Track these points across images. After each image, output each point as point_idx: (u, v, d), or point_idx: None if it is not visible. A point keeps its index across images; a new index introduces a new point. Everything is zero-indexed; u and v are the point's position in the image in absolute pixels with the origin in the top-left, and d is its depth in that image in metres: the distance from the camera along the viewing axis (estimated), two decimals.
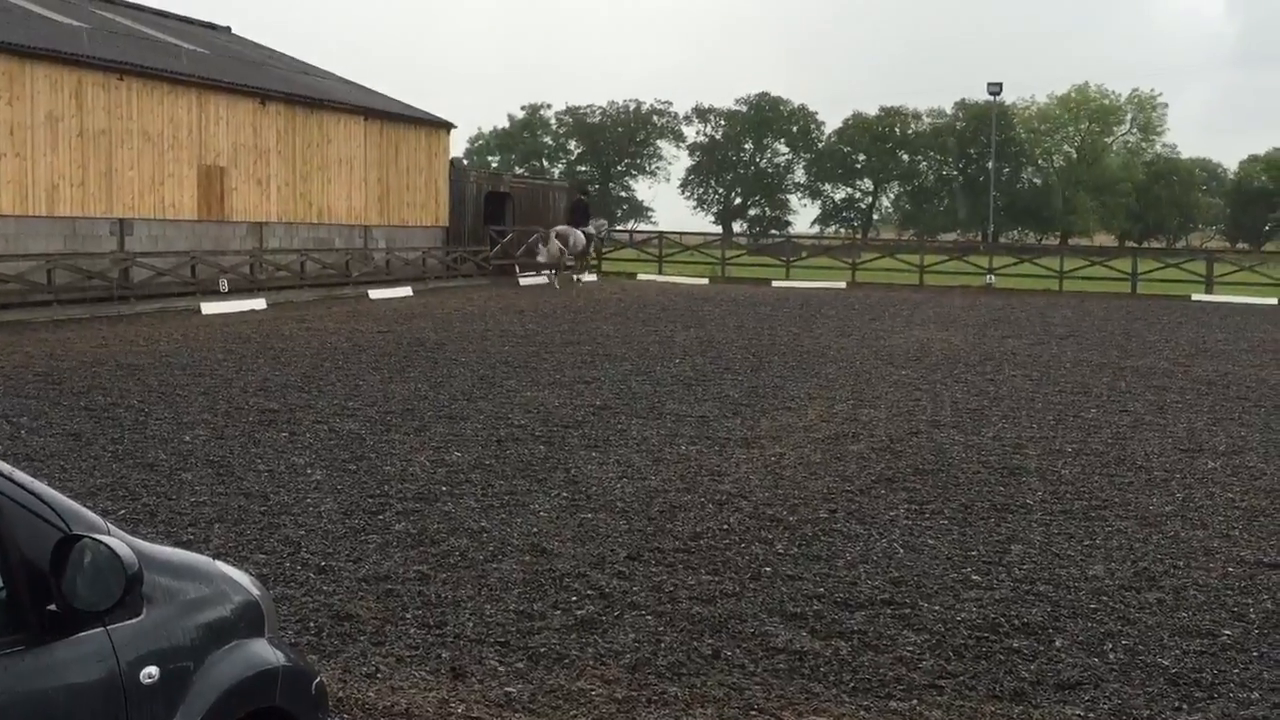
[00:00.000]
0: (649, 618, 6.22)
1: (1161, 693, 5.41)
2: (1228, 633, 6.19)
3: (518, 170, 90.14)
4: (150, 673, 3.06)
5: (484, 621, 6.11)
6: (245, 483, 8.97)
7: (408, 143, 35.99)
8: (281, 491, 8.72)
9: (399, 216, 35.62)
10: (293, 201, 31.28)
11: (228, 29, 38.74)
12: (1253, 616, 6.45)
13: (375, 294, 29.47)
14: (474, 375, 14.97)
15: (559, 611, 6.28)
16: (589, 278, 38.01)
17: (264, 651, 3.52)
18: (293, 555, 7.16)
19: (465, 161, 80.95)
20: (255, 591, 3.67)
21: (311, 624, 6.03)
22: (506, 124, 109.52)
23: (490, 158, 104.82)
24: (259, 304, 25.56)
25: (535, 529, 7.85)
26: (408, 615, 6.18)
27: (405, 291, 30.88)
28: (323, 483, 9.03)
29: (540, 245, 36.72)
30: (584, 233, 37.00)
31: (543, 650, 5.74)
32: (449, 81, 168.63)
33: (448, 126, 38.26)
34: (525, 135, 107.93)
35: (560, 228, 37.23)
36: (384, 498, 8.59)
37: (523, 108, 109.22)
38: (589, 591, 6.61)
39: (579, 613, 6.27)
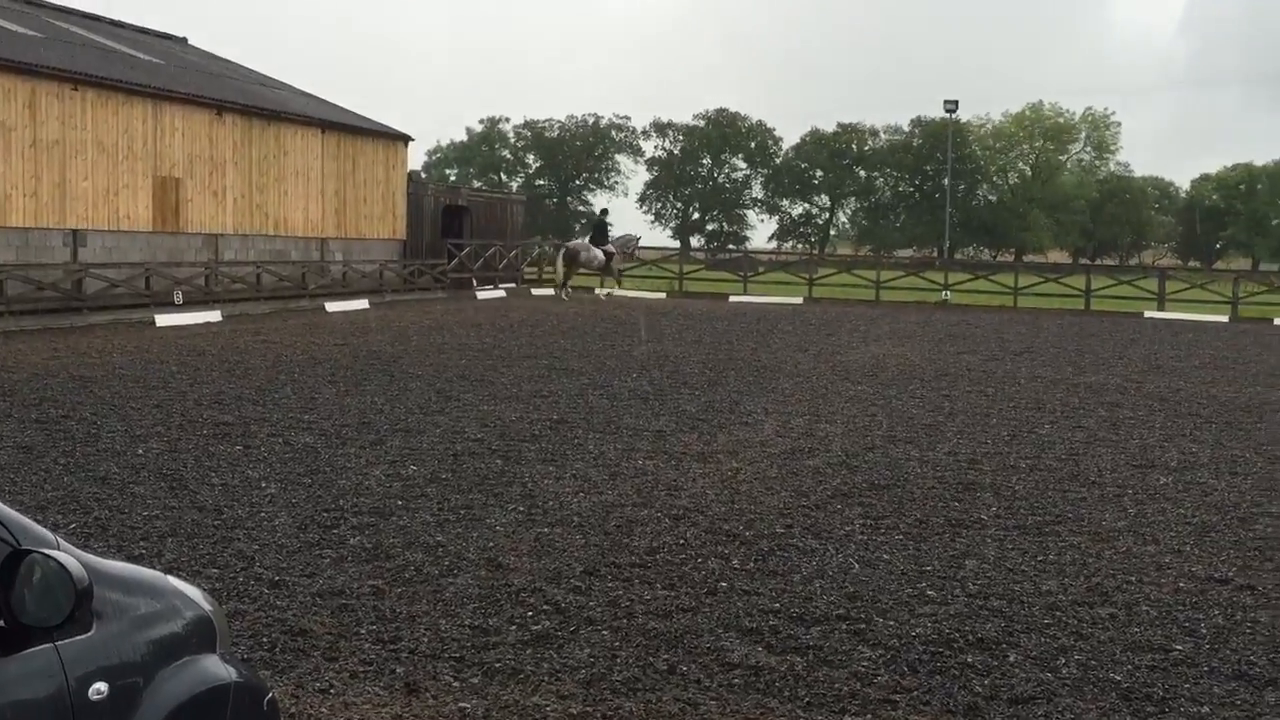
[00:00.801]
0: (605, 633, 6.21)
1: (1114, 707, 5.45)
2: (1179, 647, 6.24)
3: (476, 184, 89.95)
4: (99, 689, 3.02)
5: (439, 637, 6.08)
6: (198, 496, 8.90)
7: (365, 155, 35.87)
8: (235, 505, 8.65)
9: (356, 229, 35.48)
10: (249, 213, 31.11)
11: (184, 40, 38.51)
12: (1203, 631, 6.51)
13: (332, 307, 29.34)
14: (431, 389, 14.92)
15: (515, 627, 6.26)
16: (605, 293, 38.26)
17: (215, 668, 3.49)
18: (246, 570, 7.10)
19: (423, 174, 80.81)
20: (207, 607, 3.63)
21: (264, 639, 5.98)
22: (465, 137, 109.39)
23: (448, 171, 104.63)
24: (214, 316, 25.37)
25: (491, 543, 7.82)
26: (362, 630, 6.14)
27: (362, 304, 30.75)
28: (277, 496, 8.96)
29: (557, 258, 37.93)
30: (604, 250, 37.88)
31: (498, 665, 5.72)
32: (407, 94, 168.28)
33: (405, 139, 38.16)
34: (483, 148, 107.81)
35: (573, 244, 38.14)
36: (339, 512, 8.54)
37: (481, 121, 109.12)
38: (545, 606, 6.59)
39: (535, 628, 6.25)
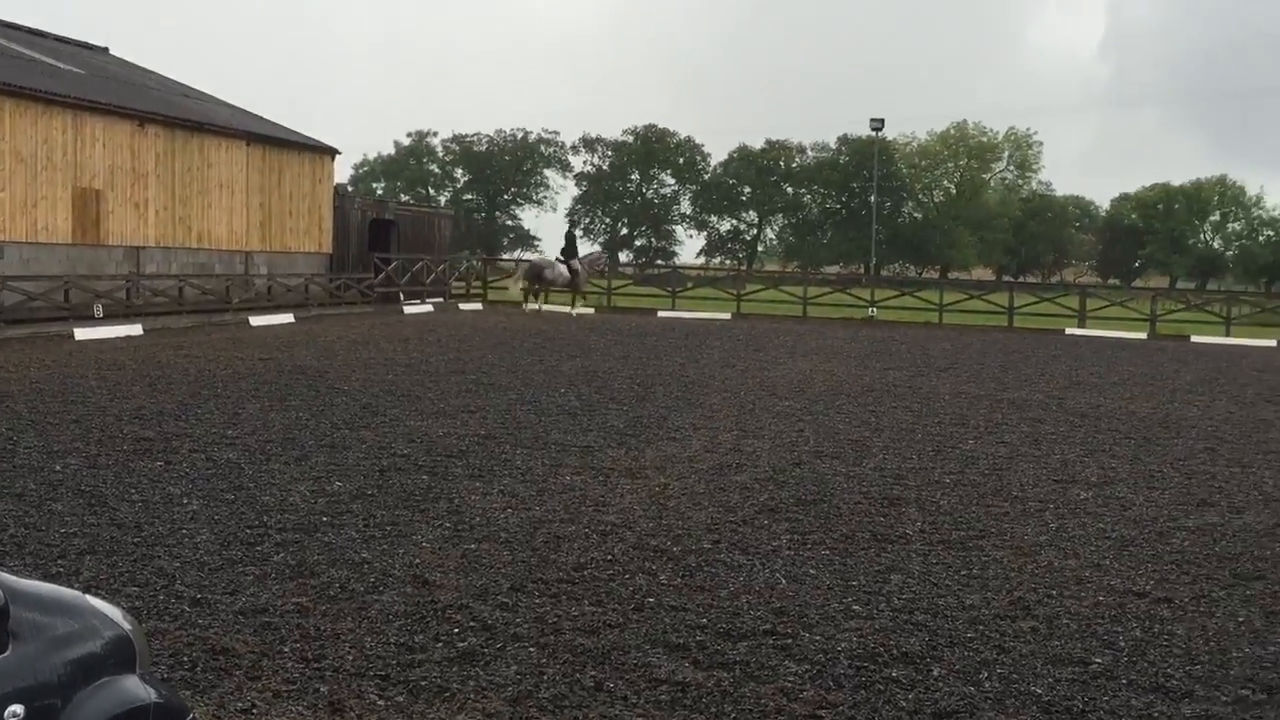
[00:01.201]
0: (532, 649, 6.19)
1: None
2: (1098, 660, 6.33)
3: (403, 197, 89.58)
4: (15, 711, 2.97)
5: (364, 654, 6.03)
6: (118, 513, 8.76)
7: (291, 168, 35.58)
8: (156, 522, 8.53)
9: (281, 242, 35.17)
10: (172, 225, 30.74)
11: (105, 50, 38.00)
12: (1122, 644, 6.60)
13: (256, 321, 29.04)
14: (357, 404, 14.80)
15: (440, 644, 6.22)
16: (579, 310, 38.13)
17: (135, 688, 3.43)
18: (167, 588, 7.00)
19: (350, 188, 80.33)
20: (127, 626, 3.58)
21: (185, 659, 5.90)
22: (392, 151, 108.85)
23: (375, 185, 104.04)
24: (135, 330, 25.00)
25: (418, 560, 7.77)
26: (285, 649, 6.08)
27: (287, 318, 30.47)
28: (199, 513, 8.85)
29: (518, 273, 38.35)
30: (570, 267, 37.78)
31: (423, 683, 5.68)
32: (334, 108, 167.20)
33: (332, 152, 37.90)
34: (411, 162, 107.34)
35: (535, 260, 38.34)
36: (262, 528, 8.44)
37: (409, 135, 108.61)
38: (471, 623, 6.56)
39: (461, 645, 6.21)
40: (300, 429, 12.77)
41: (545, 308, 37.84)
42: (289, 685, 5.62)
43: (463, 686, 5.67)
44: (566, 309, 38.05)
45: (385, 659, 5.98)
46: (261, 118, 37.13)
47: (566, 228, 42.19)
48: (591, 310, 38.63)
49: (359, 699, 5.49)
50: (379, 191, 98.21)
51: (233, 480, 10.02)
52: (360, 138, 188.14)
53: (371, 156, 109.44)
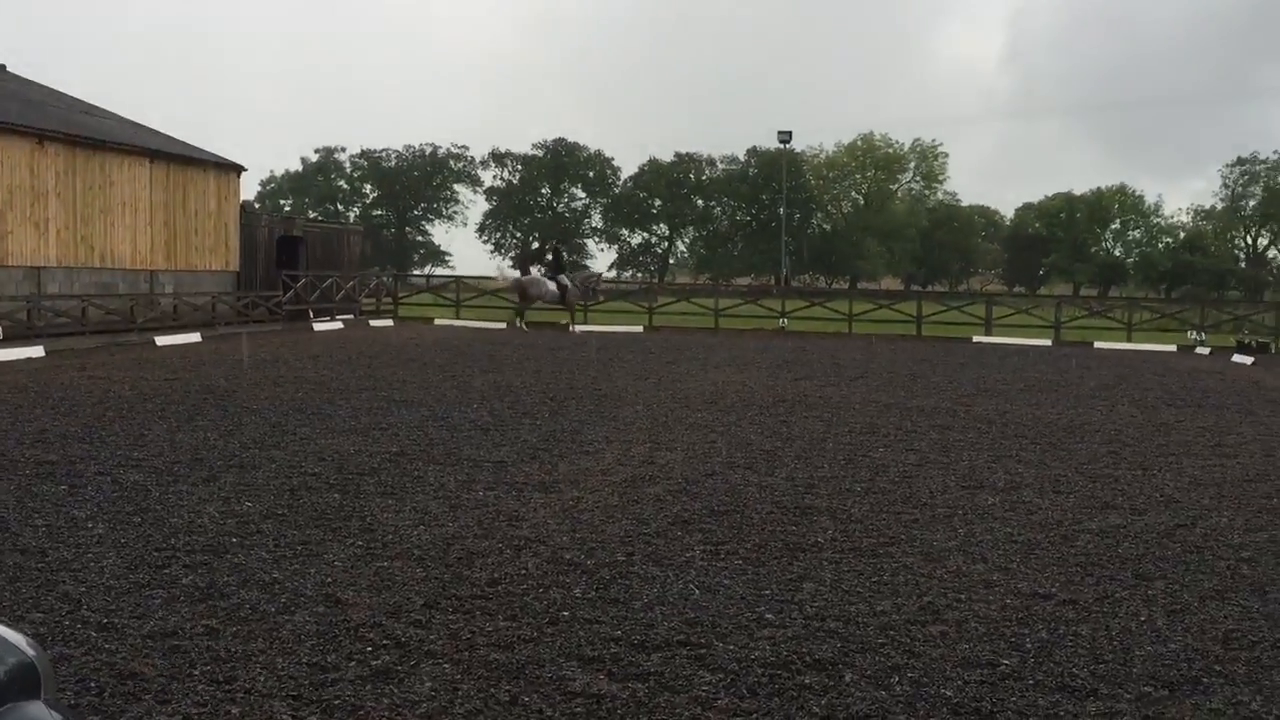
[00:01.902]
0: (446, 666, 6.17)
1: None
2: (1006, 662, 6.45)
3: (312, 214, 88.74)
4: None
5: (275, 675, 5.97)
6: (21, 538, 8.58)
7: (196, 185, 35.12)
8: (60, 547, 8.37)
9: (187, 261, 34.69)
10: (73, 245, 30.20)
11: (2, 67, 37.26)
12: (1029, 646, 6.73)
13: (162, 340, 28.59)
14: (266, 423, 14.64)
15: (354, 662, 6.18)
16: (580, 328, 38.16)
17: (40, 715, 3.37)
18: (72, 613, 6.88)
19: (257, 205, 79.44)
20: (31, 652, 3.52)
21: (93, 684, 5.80)
22: (300, 167, 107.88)
23: (283, 201, 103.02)
24: (36, 351, 24.50)
25: (330, 579, 7.71)
26: (195, 671, 6.00)
27: (194, 338, 30.05)
28: (105, 536, 8.70)
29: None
30: (558, 283, 37.93)
31: (336, 702, 5.64)
32: (239, 124, 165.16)
33: (238, 169, 37.46)
34: (319, 178, 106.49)
35: (526, 278, 38.47)
36: (171, 551, 8.32)
37: (316, 150, 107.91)
38: (385, 641, 6.52)
39: (374, 663, 6.18)
40: (208, 449, 12.61)
41: (526, 325, 37.94)
42: (199, 708, 5.55)
43: (377, 704, 5.64)
44: (579, 327, 38.21)
45: (297, 679, 5.93)
46: (165, 135, 36.61)
47: (553, 244, 42.09)
48: (586, 327, 38.50)
49: None
50: (287, 208, 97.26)
51: (139, 503, 9.87)
52: (267, 154, 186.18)
53: (279, 173, 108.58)
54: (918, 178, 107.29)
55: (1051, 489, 11.60)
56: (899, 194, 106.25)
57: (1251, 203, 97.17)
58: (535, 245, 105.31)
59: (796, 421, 16.11)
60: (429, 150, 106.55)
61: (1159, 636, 6.97)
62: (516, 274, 39.11)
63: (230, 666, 6.08)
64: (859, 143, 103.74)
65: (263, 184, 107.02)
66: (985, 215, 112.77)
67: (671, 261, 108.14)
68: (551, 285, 37.79)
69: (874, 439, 14.68)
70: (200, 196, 35.32)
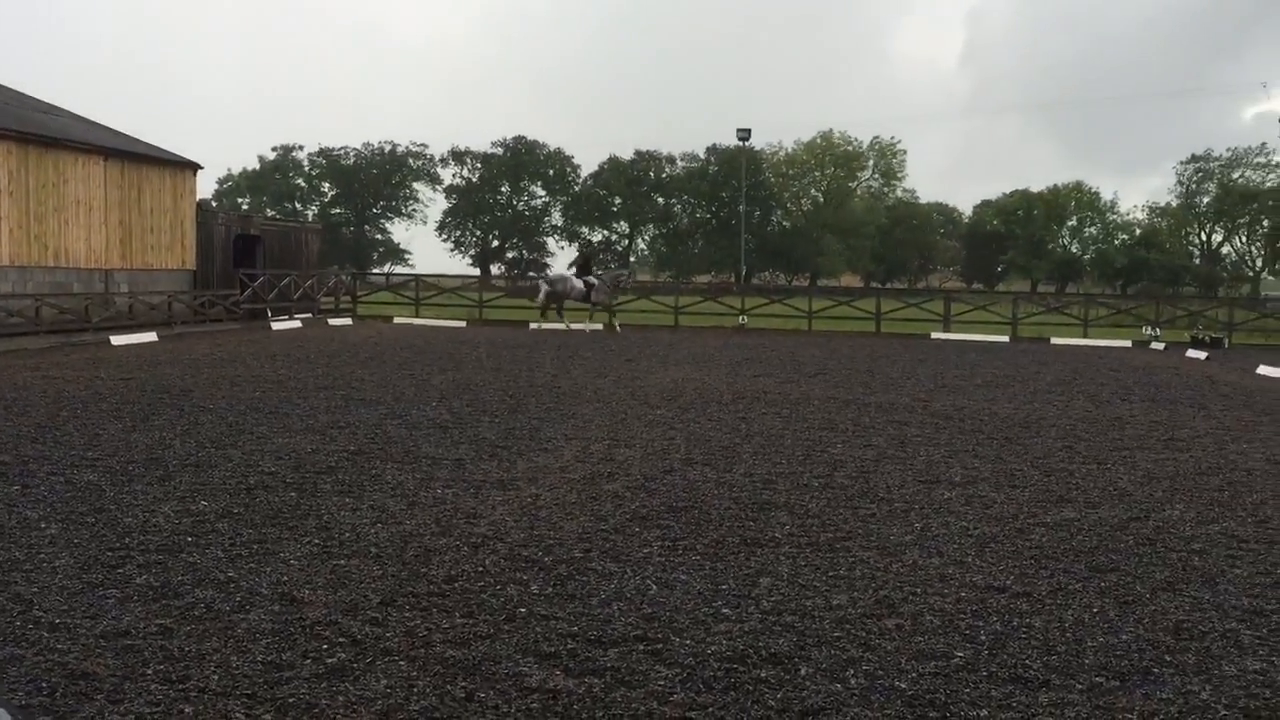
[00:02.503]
0: (402, 663, 6.16)
1: (898, 714, 5.64)
2: (960, 654, 6.49)
3: (269, 212, 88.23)
4: None
5: (230, 674, 5.94)
6: None
7: (151, 183, 34.84)
8: (12, 547, 8.30)
9: (143, 259, 34.41)
10: (26, 244, 29.89)
11: None
12: (983, 638, 6.78)
13: (117, 340, 28.35)
14: (223, 422, 14.55)
15: (309, 660, 6.16)
16: (596, 326, 38.27)
17: None
18: (24, 613, 6.82)
19: (214, 203, 78.90)
20: None
21: (44, 684, 5.75)
22: (257, 165, 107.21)
23: (240, 199, 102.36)
24: None
25: (285, 577, 7.68)
26: (149, 671, 5.96)
27: (150, 337, 29.82)
28: (58, 537, 8.63)
29: (542, 287, 38.72)
30: (585, 282, 37.99)
31: (291, 701, 5.62)
32: (195, 122, 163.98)
33: (194, 167, 37.18)
34: (277, 176, 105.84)
35: (554, 275, 39.28)
36: (125, 550, 8.26)
37: (274, 149, 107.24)
38: (340, 639, 6.50)
39: (330, 661, 6.16)
40: (164, 449, 12.52)
41: (569, 325, 38.12)
42: (152, 707, 5.52)
43: (332, 702, 5.62)
44: (596, 325, 38.35)
45: (252, 678, 5.90)
46: (120, 133, 36.29)
47: (583, 249, 42.22)
48: (609, 325, 38.50)
49: (225, 719, 5.41)
50: (244, 206, 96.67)
51: (93, 502, 9.79)
52: (224, 152, 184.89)
53: (236, 171, 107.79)
54: (877, 175, 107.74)
55: (1007, 483, 11.69)
56: (858, 191, 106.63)
57: (1205, 200, 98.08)
58: (495, 244, 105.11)
59: (755, 418, 16.15)
60: (388, 148, 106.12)
61: (1111, 628, 7.03)
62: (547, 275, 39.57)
63: (184, 666, 6.05)
64: (818, 140, 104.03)
65: (220, 182, 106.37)
66: (944, 212, 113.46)
67: (632, 259, 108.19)
68: (579, 283, 38.04)
69: (832, 435, 14.73)
70: (156, 195, 35.05)
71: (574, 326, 37.72)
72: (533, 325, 38.36)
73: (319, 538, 8.76)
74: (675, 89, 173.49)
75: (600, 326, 38.06)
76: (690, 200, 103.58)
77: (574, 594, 7.48)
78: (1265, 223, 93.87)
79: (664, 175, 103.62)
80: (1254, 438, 15.47)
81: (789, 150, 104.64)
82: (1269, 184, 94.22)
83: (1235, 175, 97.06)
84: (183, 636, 6.48)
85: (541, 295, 38.42)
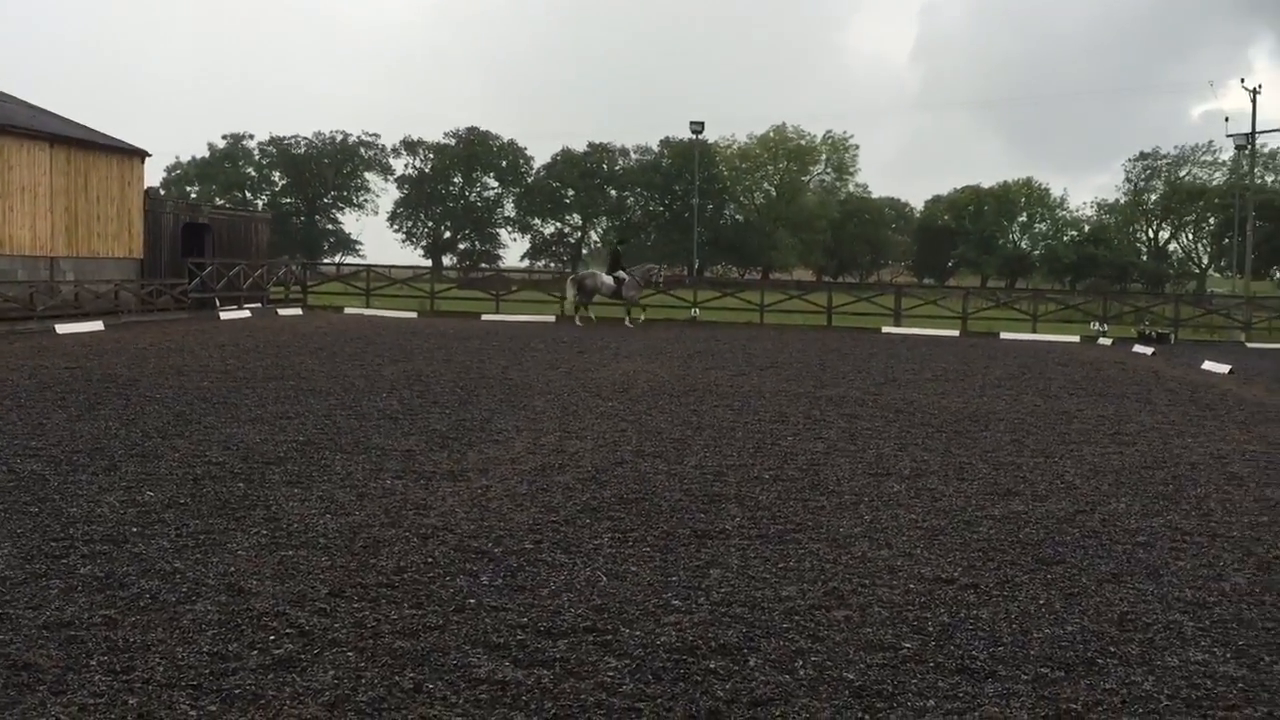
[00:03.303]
0: (350, 654, 6.12)
1: (846, 705, 5.66)
2: (908, 645, 6.53)
3: (219, 201, 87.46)
4: None
5: (175, 665, 5.89)
6: None
7: (98, 171, 34.45)
8: None
9: (89, 247, 34.03)
10: None
11: None
12: (930, 629, 6.82)
13: (63, 329, 28.01)
14: (169, 412, 14.41)
15: (256, 651, 6.11)
16: (632, 320, 38.19)
17: None
18: None
19: (162, 191, 78.14)
20: None
21: None
22: (206, 153, 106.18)
23: (189, 188, 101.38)
24: None
25: (233, 568, 7.61)
26: (92, 662, 5.89)
27: (96, 326, 29.49)
28: (0, 526, 8.51)
29: (570, 285, 38.94)
30: (615, 277, 38.04)
31: (237, 692, 5.57)
32: (144, 109, 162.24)
33: (142, 155, 36.81)
34: (226, 165, 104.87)
35: (583, 273, 39.47)
36: (69, 541, 8.16)
37: (224, 137, 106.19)
38: (288, 630, 6.45)
39: (277, 652, 6.11)
40: (110, 438, 12.38)
41: (595, 319, 38.34)
42: (96, 699, 5.45)
43: (279, 693, 5.58)
44: (637, 318, 38.39)
45: (198, 669, 5.85)
46: (66, 119, 35.85)
47: (613, 244, 41.94)
48: (632, 318, 38.41)
49: (170, 710, 5.36)
50: (193, 195, 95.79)
51: (36, 492, 9.67)
52: (172, 140, 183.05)
53: (185, 159, 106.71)
54: (829, 169, 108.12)
55: (956, 476, 11.77)
56: (811, 185, 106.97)
57: (1153, 197, 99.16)
58: (447, 235, 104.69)
59: (707, 410, 16.18)
60: (339, 138, 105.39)
61: (1057, 619, 7.10)
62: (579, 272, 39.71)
63: (129, 657, 5.98)
64: (771, 134, 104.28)
65: (168, 170, 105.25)
66: (895, 207, 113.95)
67: (585, 251, 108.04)
68: (608, 279, 37.98)
69: (783, 427, 14.78)
70: (103, 182, 34.66)
71: (585, 318, 37.94)
72: (578, 319, 38.09)
73: (267, 528, 8.70)
74: (629, 81, 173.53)
75: (637, 319, 38.12)
76: (643, 193, 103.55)
77: (524, 585, 7.46)
78: (1212, 220, 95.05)
79: (617, 168, 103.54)
80: (1198, 432, 15.66)
81: (742, 144, 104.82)
82: (1215, 182, 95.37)
83: (1183, 173, 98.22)
84: (127, 627, 6.41)
85: (571, 292, 38.25)
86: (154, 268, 37.08)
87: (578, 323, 37.30)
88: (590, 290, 38.04)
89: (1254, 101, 66.78)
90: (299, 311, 40.14)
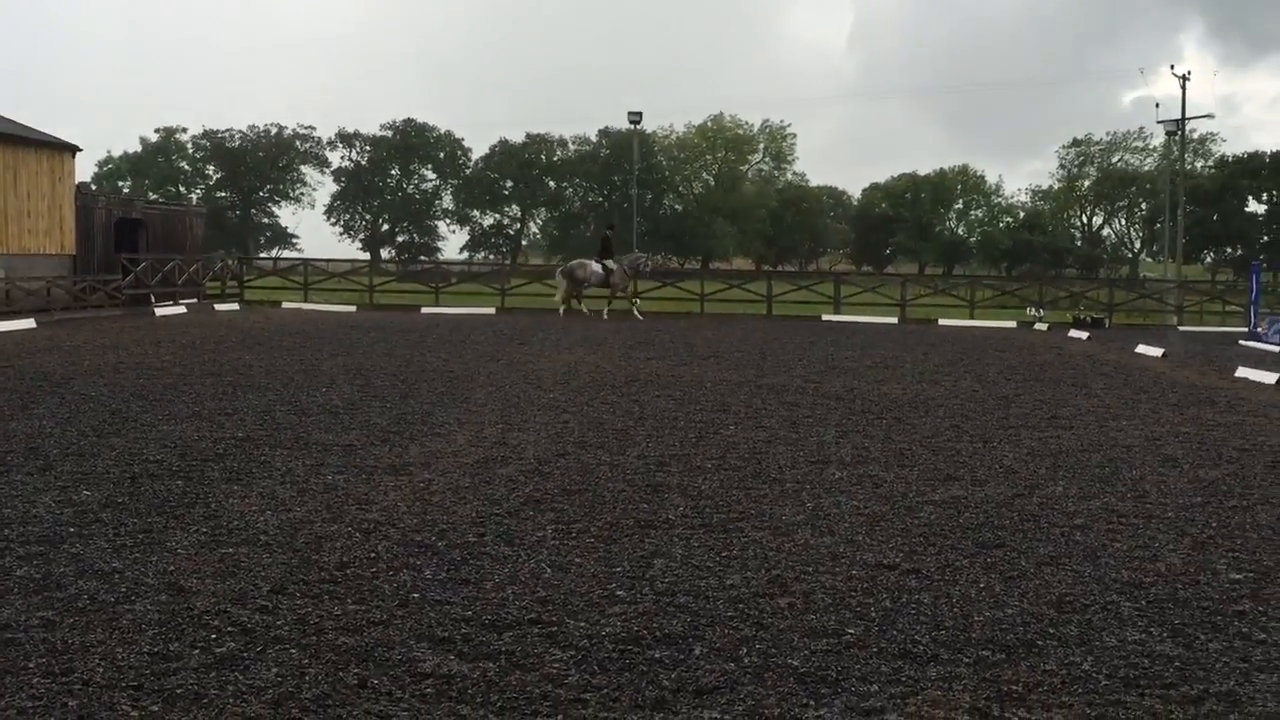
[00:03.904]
0: (293, 651, 6.08)
1: (791, 692, 5.70)
2: (851, 631, 6.58)
3: (152, 196, 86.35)
4: None
5: (115, 666, 5.82)
6: None
7: (28, 166, 33.91)
8: None
9: (19, 244, 33.51)
10: None
11: None
12: (873, 615, 6.88)
13: None
14: (105, 410, 14.23)
15: (197, 650, 6.06)
16: (633, 308, 38.12)
17: None
18: None
19: (94, 186, 77.07)
20: None
21: None
22: (138, 147, 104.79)
23: (121, 183, 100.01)
24: None
25: (172, 567, 7.54)
26: (30, 665, 5.82)
27: (28, 324, 29.03)
28: None
29: (561, 277, 38.34)
30: (604, 266, 37.57)
31: (179, 691, 5.52)
32: (73, 103, 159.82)
33: (72, 149, 36.27)
34: (159, 159, 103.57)
35: (572, 263, 38.76)
36: (3, 542, 8.04)
37: (156, 131, 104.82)
38: (230, 628, 6.40)
39: (219, 650, 6.06)
40: (44, 438, 12.21)
41: (587, 310, 38.21)
42: (34, 701, 5.38)
43: (221, 692, 5.53)
44: (619, 308, 38.16)
45: (138, 669, 5.79)
46: None
47: (605, 232, 41.29)
48: (629, 310, 38.15)
49: (110, 711, 5.30)
50: (125, 190, 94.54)
51: None
52: (103, 135, 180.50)
53: (116, 154, 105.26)
54: (767, 158, 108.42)
55: (896, 463, 11.86)
56: (749, 174, 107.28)
57: (1086, 183, 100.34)
58: (385, 227, 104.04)
59: (649, 401, 16.20)
60: (274, 130, 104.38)
61: (997, 602, 7.18)
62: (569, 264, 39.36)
63: (67, 659, 5.91)
64: (709, 123, 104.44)
65: (100, 165, 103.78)
66: (833, 195, 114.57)
67: (524, 243, 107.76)
68: (597, 268, 37.62)
69: (725, 416, 14.83)
70: (32, 178, 34.13)
71: (577, 310, 37.72)
72: (563, 310, 37.86)
73: (207, 526, 8.62)
74: (566, 71, 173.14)
75: (622, 309, 37.96)
76: (582, 183, 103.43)
77: (468, 578, 7.44)
78: (1144, 205, 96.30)
79: (555, 158, 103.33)
80: (1133, 415, 15.88)
81: (680, 133, 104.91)
82: (1147, 168, 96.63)
83: (1114, 159, 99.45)
84: (66, 629, 6.34)
85: (562, 284, 37.91)
86: (87, 264, 36.59)
87: (561, 315, 36.93)
88: (581, 280, 37.67)
89: (1183, 88, 67.65)
90: (236, 307, 39.75)
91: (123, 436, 12.38)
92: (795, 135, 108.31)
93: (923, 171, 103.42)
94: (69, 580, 7.20)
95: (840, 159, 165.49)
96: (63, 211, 35.56)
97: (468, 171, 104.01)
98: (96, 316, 32.89)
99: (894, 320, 39.26)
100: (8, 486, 9.81)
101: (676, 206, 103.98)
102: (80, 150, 36.72)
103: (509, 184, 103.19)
